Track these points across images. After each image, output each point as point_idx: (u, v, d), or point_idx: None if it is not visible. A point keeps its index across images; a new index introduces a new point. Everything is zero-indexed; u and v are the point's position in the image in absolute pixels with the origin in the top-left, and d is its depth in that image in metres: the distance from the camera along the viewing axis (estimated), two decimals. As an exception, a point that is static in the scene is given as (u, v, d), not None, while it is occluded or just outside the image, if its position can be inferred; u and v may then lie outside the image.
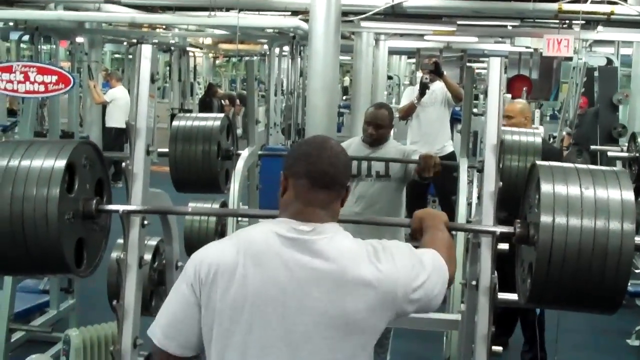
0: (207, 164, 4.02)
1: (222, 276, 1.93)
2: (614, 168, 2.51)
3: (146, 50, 2.99)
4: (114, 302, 2.86)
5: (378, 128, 4.58)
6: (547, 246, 2.28)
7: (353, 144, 4.72)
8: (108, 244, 2.88)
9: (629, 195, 2.32)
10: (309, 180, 2.02)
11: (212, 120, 4.15)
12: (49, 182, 2.52)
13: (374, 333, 1.98)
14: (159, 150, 3.60)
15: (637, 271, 6.44)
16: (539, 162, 2.52)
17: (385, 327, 2.01)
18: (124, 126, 11.65)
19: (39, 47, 10.64)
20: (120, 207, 2.81)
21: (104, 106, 12.05)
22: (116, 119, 11.91)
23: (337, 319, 1.90)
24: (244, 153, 4.36)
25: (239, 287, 1.91)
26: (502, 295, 2.76)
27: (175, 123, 4.16)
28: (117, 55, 22.79)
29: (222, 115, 4.34)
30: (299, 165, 2.04)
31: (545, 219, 2.29)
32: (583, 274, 2.27)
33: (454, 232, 3.98)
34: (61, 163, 2.56)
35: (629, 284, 5.89)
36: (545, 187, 2.35)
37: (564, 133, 11.00)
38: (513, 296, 2.72)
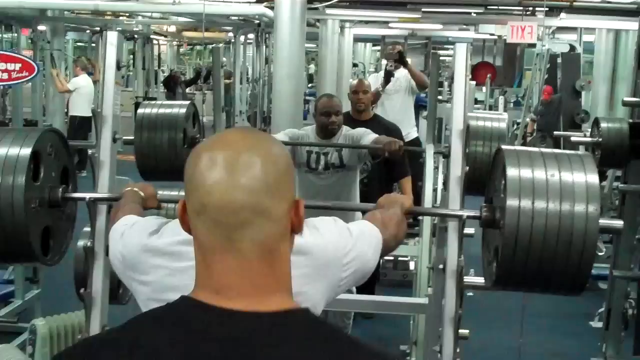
0: (173, 152, 4.00)
1: None
2: (579, 152, 2.54)
3: (112, 37, 2.97)
4: (82, 290, 2.84)
5: (337, 115, 4.55)
6: (513, 230, 2.30)
7: (309, 138, 4.66)
8: (74, 233, 2.87)
9: (594, 178, 2.35)
10: None
11: (178, 107, 4.13)
12: (14, 170, 2.50)
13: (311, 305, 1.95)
14: (125, 138, 3.58)
15: (600, 254, 6.56)
16: (504, 147, 2.55)
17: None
18: (87, 115, 11.56)
19: (0, 35, 10.49)
20: (87, 195, 2.79)
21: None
22: (80, 108, 11.79)
23: None
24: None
25: None
26: (468, 279, 2.80)
27: (140, 111, 4.13)
28: (79, 44, 22.54)
29: (187, 102, 4.32)
30: None
31: (511, 202, 2.31)
32: (549, 256, 2.30)
33: (420, 217, 4.05)
34: (26, 151, 2.54)
35: (593, 267, 5.99)
36: (511, 171, 2.37)
37: (528, 119, 11.11)
38: (479, 279, 2.75)
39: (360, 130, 4.59)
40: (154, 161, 4.00)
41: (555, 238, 2.28)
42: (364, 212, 4.17)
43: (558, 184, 2.33)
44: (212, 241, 1.14)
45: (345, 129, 4.62)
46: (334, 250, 1.89)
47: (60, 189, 2.70)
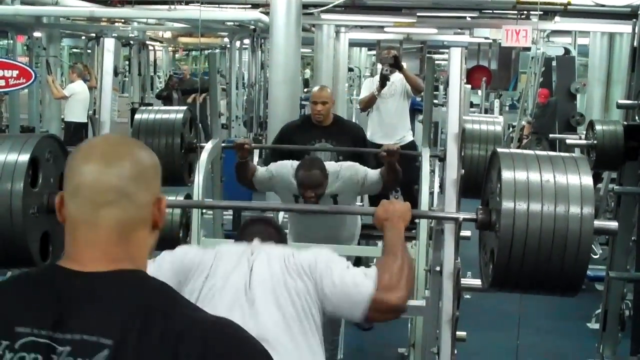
0: (171, 157, 4.02)
1: None
2: (573, 154, 2.57)
3: (109, 43, 3.00)
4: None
5: (317, 189, 4.15)
6: (508, 232, 2.32)
7: (289, 176, 4.35)
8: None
9: (588, 180, 2.37)
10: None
11: (175, 113, 4.16)
12: (12, 176, 2.52)
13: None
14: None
15: (595, 257, 6.58)
16: (499, 149, 2.57)
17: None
18: (83, 120, 11.57)
19: (-4, 42, 10.51)
20: None
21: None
22: (76, 114, 11.78)
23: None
24: (208, 145, 4.36)
25: None
26: (465, 281, 2.82)
27: (137, 116, 4.15)
28: (75, 50, 22.54)
29: (184, 108, 4.35)
30: None
31: (507, 205, 2.33)
32: (544, 258, 2.32)
33: (417, 220, 4.06)
34: (25, 157, 2.56)
35: (589, 268, 6.00)
36: (506, 174, 2.39)
37: (523, 122, 11.15)
38: (476, 281, 2.77)
39: (347, 178, 4.39)
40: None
41: (550, 240, 2.30)
42: (363, 215, 4.23)
43: (553, 187, 2.35)
44: (79, 217, 1.36)
45: (332, 179, 4.30)
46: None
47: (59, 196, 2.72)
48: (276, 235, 2.76)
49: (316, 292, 2.36)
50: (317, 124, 5.09)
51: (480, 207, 2.61)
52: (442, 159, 3.81)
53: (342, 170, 4.40)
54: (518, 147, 10.27)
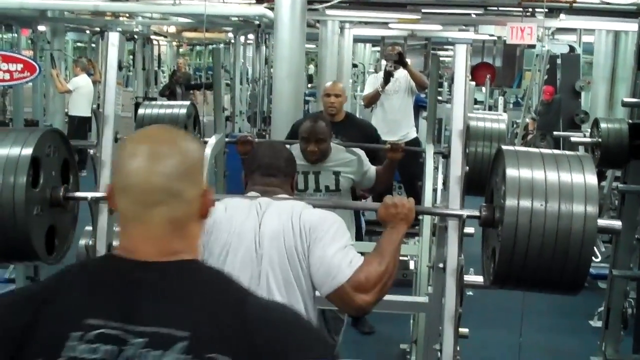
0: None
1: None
2: (578, 153, 2.56)
3: (113, 37, 2.99)
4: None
5: (320, 143, 4.09)
6: (511, 229, 2.33)
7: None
8: (76, 231, 2.89)
9: (592, 179, 2.37)
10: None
11: (178, 108, 4.17)
12: (15, 171, 2.53)
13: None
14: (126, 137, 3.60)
15: (596, 260, 6.58)
16: (504, 147, 2.57)
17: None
18: (87, 115, 11.58)
19: (0, 35, 10.49)
20: (89, 195, 2.82)
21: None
22: (79, 108, 11.79)
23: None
24: (211, 140, 4.36)
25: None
26: (468, 278, 2.82)
27: (141, 111, 4.16)
28: (79, 44, 22.52)
29: (187, 102, 4.35)
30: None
31: (511, 202, 2.33)
32: (547, 257, 2.32)
33: (420, 217, 4.06)
34: (27, 151, 2.57)
35: (592, 266, 6.01)
36: (511, 172, 2.39)
37: (527, 120, 11.13)
38: (478, 278, 2.77)
39: (354, 159, 4.29)
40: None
41: (553, 239, 2.30)
42: (367, 210, 4.20)
43: (557, 184, 2.35)
44: (130, 215, 1.41)
45: (338, 153, 4.28)
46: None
47: (62, 189, 2.73)
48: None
49: (304, 252, 2.40)
50: (329, 121, 4.92)
51: (484, 204, 2.61)
52: (446, 156, 3.80)
53: (350, 150, 4.33)
54: (522, 144, 10.26)
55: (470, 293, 4.72)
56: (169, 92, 14.49)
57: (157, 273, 1.37)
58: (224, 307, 1.34)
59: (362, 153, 4.34)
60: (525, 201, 2.33)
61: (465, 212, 2.65)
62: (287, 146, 3.23)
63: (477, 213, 2.58)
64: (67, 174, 2.85)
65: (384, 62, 7.36)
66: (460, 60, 2.87)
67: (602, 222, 2.35)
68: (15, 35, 11.49)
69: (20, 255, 2.67)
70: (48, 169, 2.69)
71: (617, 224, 2.54)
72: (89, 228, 2.93)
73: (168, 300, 1.34)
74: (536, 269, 2.36)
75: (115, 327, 1.30)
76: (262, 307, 1.39)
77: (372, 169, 4.31)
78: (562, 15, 10.05)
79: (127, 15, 13.48)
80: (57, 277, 1.43)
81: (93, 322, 1.30)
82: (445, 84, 13.49)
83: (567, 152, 2.56)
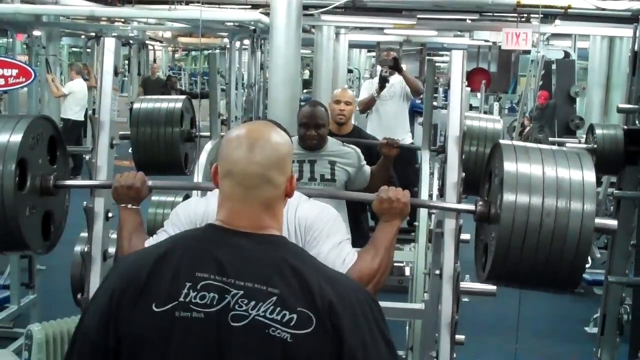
0: (170, 146, 4.06)
1: None
2: (576, 150, 2.54)
3: (109, 43, 2.98)
4: (79, 296, 2.85)
5: (318, 128, 4.09)
6: (508, 224, 2.31)
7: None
8: (73, 239, 2.89)
9: (591, 176, 2.35)
10: None
11: (174, 102, 4.18)
12: (4, 157, 2.56)
13: None
14: (121, 133, 3.64)
15: (597, 257, 6.58)
16: (502, 141, 2.57)
17: None
18: (80, 119, 11.58)
19: (-4, 40, 10.47)
20: (79, 182, 2.88)
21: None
22: (73, 111, 11.77)
23: None
24: (207, 146, 4.35)
25: None
26: (464, 284, 2.81)
27: (136, 105, 4.17)
28: (75, 49, 22.52)
29: (183, 97, 4.36)
30: None
31: (508, 197, 2.32)
32: (543, 252, 2.31)
33: (416, 223, 4.06)
34: (17, 138, 2.60)
35: (587, 272, 5.99)
36: (508, 166, 2.38)
37: (524, 120, 11.16)
38: (475, 285, 2.76)
39: (350, 152, 4.25)
40: (150, 155, 4.07)
41: (550, 234, 2.29)
42: (362, 202, 4.17)
43: (555, 180, 2.33)
44: (232, 195, 1.72)
45: (335, 145, 4.25)
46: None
47: (52, 177, 2.76)
48: None
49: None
50: (335, 133, 4.85)
51: (480, 199, 2.60)
52: (440, 153, 3.82)
53: (347, 145, 4.29)
54: (519, 139, 10.27)
55: (466, 299, 4.71)
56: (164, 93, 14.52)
57: (253, 240, 1.66)
58: (302, 274, 1.60)
59: (358, 150, 4.32)
60: (522, 197, 2.32)
61: (460, 206, 2.66)
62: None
63: (472, 207, 2.58)
64: (54, 152, 2.89)
65: (379, 68, 7.36)
66: (456, 67, 2.87)
67: (598, 221, 2.34)
68: (11, 40, 11.46)
69: (8, 241, 2.70)
70: (35, 162, 2.72)
71: (613, 223, 2.51)
72: (84, 235, 2.93)
73: (261, 263, 1.62)
74: (531, 264, 2.34)
75: (218, 280, 1.59)
76: (330, 276, 1.67)
77: (367, 167, 4.28)
78: (557, 21, 10.08)
79: (123, 20, 13.48)
80: (171, 239, 1.78)
81: (201, 275, 1.60)
82: (440, 89, 13.50)
83: (566, 149, 2.55)
